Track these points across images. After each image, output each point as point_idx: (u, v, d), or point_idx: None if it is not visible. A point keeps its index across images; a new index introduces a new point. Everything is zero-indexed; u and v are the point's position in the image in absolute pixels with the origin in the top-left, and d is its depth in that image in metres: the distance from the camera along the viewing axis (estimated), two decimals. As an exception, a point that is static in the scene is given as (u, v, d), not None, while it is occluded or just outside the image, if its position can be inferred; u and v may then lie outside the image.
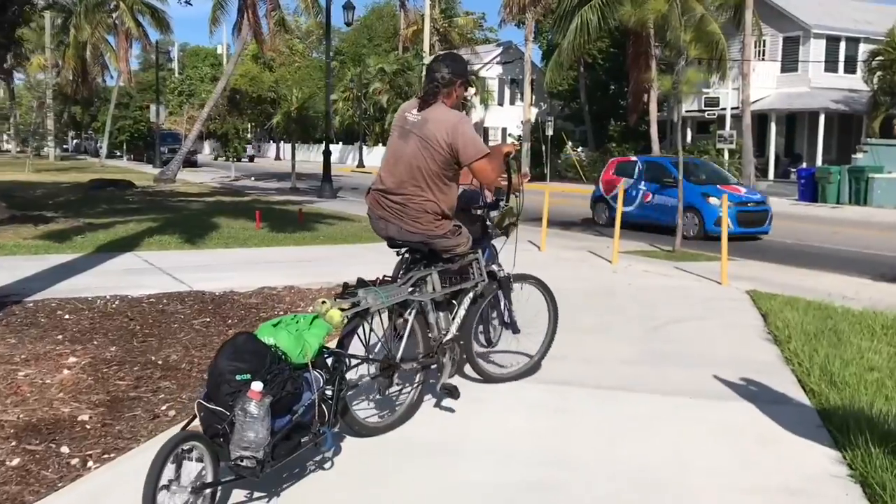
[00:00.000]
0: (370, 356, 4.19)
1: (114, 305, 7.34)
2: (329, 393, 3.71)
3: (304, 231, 13.41)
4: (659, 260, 11.59)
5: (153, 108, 38.86)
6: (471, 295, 4.71)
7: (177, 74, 63.40)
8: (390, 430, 4.28)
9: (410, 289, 4.34)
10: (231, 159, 31.11)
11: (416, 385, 4.48)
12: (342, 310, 3.86)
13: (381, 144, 53.93)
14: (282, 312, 7.34)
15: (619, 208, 11.67)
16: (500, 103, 53.13)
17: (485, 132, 52.35)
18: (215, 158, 44.87)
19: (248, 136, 30.22)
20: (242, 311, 7.35)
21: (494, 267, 5.01)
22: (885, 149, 26.02)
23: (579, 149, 40.72)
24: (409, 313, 4.34)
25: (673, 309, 7.76)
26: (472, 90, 48.93)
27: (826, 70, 33.26)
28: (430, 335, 4.48)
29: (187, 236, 12.20)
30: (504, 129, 39.45)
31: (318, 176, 32.00)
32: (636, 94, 32.19)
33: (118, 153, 54.50)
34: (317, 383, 3.60)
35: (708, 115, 31.84)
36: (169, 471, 3.07)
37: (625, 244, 13.50)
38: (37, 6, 13.88)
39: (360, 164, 49.01)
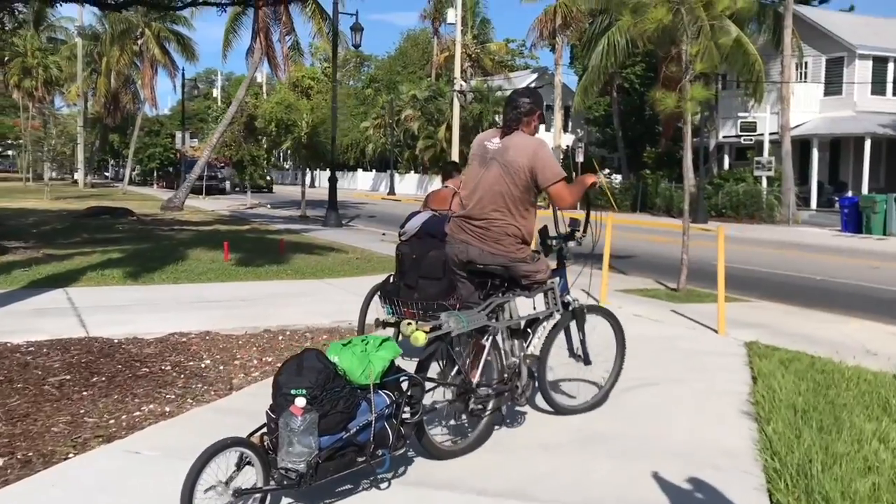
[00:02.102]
0: (447, 381, 4.24)
1: (-26, 356, 6.25)
2: (397, 416, 3.71)
3: (276, 264, 12.30)
4: (657, 300, 10.17)
5: (178, 135, 38.50)
6: (545, 324, 4.81)
7: (219, 103, 63.62)
8: (463, 454, 4.29)
9: (488, 315, 4.39)
10: (248, 187, 30.36)
11: (489, 411, 4.44)
12: (426, 332, 3.94)
13: (412, 172, 53.08)
14: (169, 367, 6.18)
15: (608, 239, 10.27)
16: (536, 130, 51.83)
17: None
18: (233, 188, 44.54)
19: (264, 162, 29.35)
20: (124, 364, 6.19)
21: (569, 297, 5.00)
22: (936, 176, 24.09)
23: (612, 175, 39.23)
24: (487, 339, 4.40)
25: (648, 367, 6.38)
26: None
27: (873, 93, 31.31)
28: (504, 362, 4.57)
29: (140, 270, 11.18)
30: (568, 147, 38.15)
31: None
32: (668, 119, 30.68)
33: (149, 180, 54.54)
34: (380, 405, 3.61)
35: (744, 140, 30.13)
36: (218, 473, 3.18)
37: (626, 280, 12.12)
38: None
39: (391, 192, 48.07)
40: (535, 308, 4.87)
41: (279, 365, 6.52)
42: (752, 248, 18.77)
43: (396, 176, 51.14)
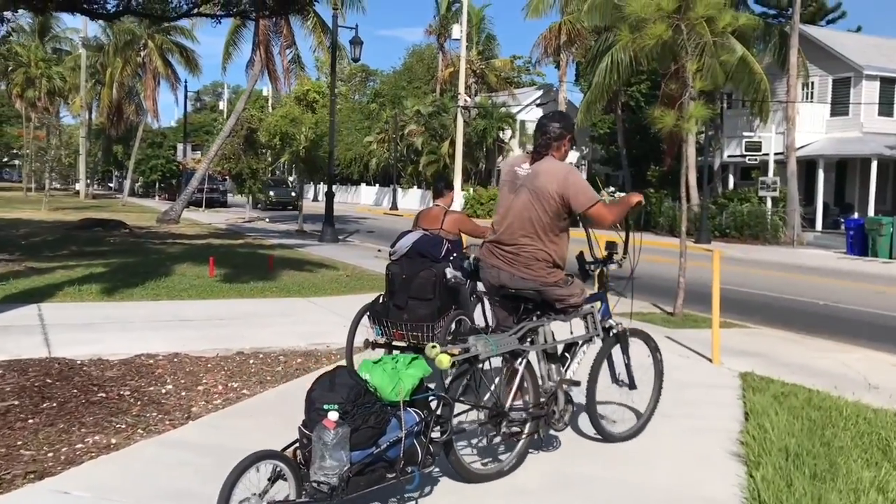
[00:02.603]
0: (479, 403, 4.24)
1: (-79, 378, 5.92)
2: (426, 433, 3.75)
3: (263, 281, 11.97)
4: (652, 325, 9.75)
5: (180, 147, 38.31)
6: (584, 349, 4.81)
7: (224, 116, 63.57)
8: (495, 478, 4.24)
9: (519, 339, 4.38)
10: (247, 200, 30.08)
11: (525, 435, 4.38)
12: (451, 355, 3.94)
13: (415, 187, 52.79)
14: (127, 393, 5.85)
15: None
16: (540, 147, 51.50)
17: (523, 176, 50.78)
18: (255, 204, 43.19)
19: (265, 176, 29.09)
20: (80, 388, 5.86)
21: (612, 321, 4.95)
22: (943, 199, 23.68)
23: (616, 194, 38.88)
24: (520, 363, 4.38)
25: (634, 399, 6.01)
26: (508, 132, 47.70)
27: (880, 114, 30.93)
28: (540, 387, 4.52)
29: (120, 285, 10.86)
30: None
31: (336, 218, 30.84)
32: (671, 137, 30.36)
33: (151, 192, 54.37)
34: (410, 422, 3.65)
35: (749, 160, 29.75)
36: (251, 485, 3.22)
37: (622, 303, 11.69)
38: None
39: (394, 206, 47.79)
40: (571, 332, 4.86)
41: (245, 392, 6.24)
42: (755, 269, 18.38)
43: (399, 191, 50.86)
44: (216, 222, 28.75)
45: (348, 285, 12.17)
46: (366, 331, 6.26)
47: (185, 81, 40.69)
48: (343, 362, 6.57)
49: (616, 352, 4.98)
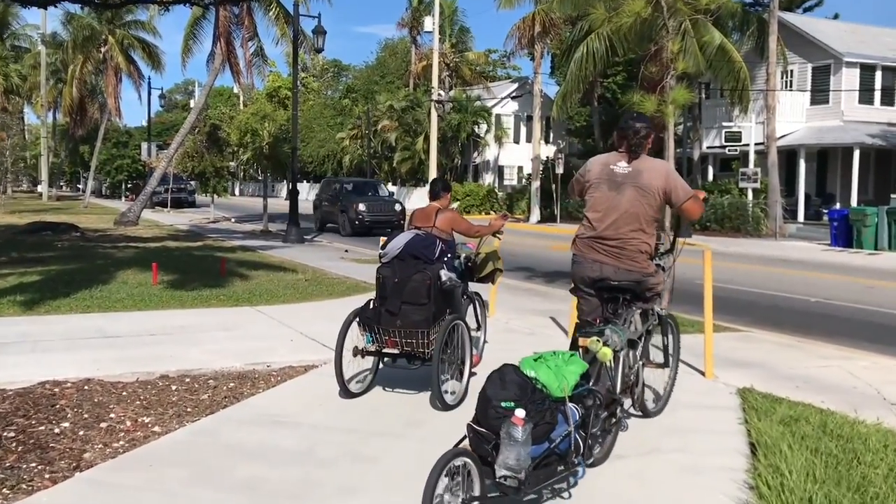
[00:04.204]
0: (616, 394, 4.46)
1: None
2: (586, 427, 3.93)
3: (211, 288, 10.96)
4: (636, 331, 8.87)
5: (144, 146, 37.03)
6: (645, 335, 5.10)
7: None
8: (600, 464, 4.31)
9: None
10: (210, 199, 28.98)
11: (617, 419, 4.48)
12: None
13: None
14: (12, 434, 4.86)
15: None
16: (517, 140, 50.61)
17: (500, 170, 49.92)
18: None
19: (227, 175, 28.03)
20: (-48, 431, 4.85)
21: (657, 307, 5.21)
22: (928, 187, 23.04)
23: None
24: (622, 351, 4.58)
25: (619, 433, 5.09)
26: (483, 126, 46.78)
27: (860, 102, 30.31)
28: (627, 372, 4.74)
29: (48, 296, 9.81)
30: (548, 158, 36.88)
31: (306, 217, 29.77)
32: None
33: (117, 193, 52.92)
34: (573, 416, 3.79)
35: (729, 150, 29.01)
36: (442, 483, 3.28)
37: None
38: None
39: (368, 204, 46.71)
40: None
41: (156, 429, 5.25)
42: (738, 264, 17.60)
43: (374, 188, 49.78)
44: (178, 223, 27.58)
45: (305, 291, 11.18)
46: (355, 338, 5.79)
47: (149, 78, 39.39)
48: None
49: (657, 333, 5.31)
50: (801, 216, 28.98)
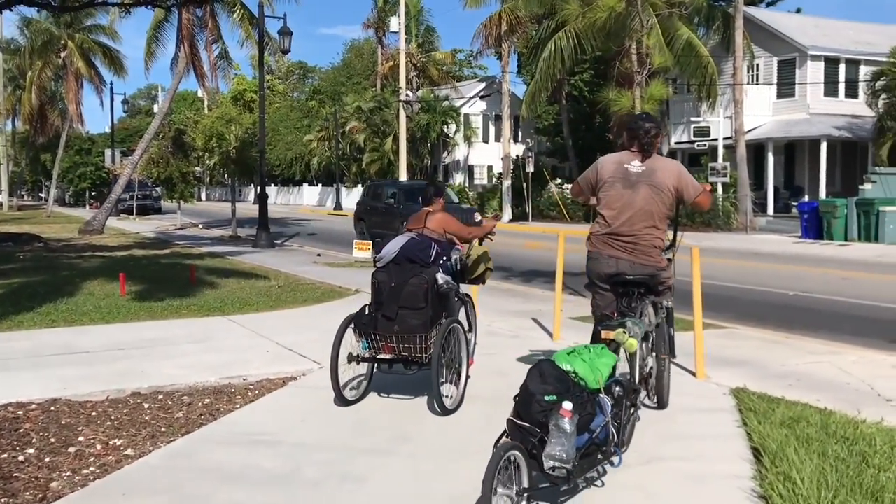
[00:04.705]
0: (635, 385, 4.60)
1: None
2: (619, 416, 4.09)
3: (181, 297, 10.61)
4: (620, 331, 8.71)
5: (108, 153, 36.29)
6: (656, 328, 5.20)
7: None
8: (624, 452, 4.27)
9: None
10: (177, 205, 28.45)
11: (637, 409, 4.48)
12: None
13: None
14: (-29, 463, 4.53)
15: (560, 261, 8.82)
16: (486, 140, 50.49)
17: (470, 170, 49.75)
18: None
19: (194, 180, 27.49)
20: None
21: (665, 301, 5.33)
22: (895, 178, 23.24)
23: (564, 186, 38.13)
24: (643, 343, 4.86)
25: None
26: (452, 126, 46.56)
27: (826, 94, 30.57)
28: (641, 364, 4.89)
29: (10, 311, 9.40)
30: (518, 157, 36.68)
31: (275, 221, 29.33)
32: (619, 126, 29.60)
33: (81, 201, 51.92)
34: (608, 407, 3.93)
35: (698, 146, 29.11)
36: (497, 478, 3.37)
37: (582, 304, 10.61)
38: None
39: (338, 206, 46.35)
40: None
41: (128, 452, 4.94)
42: (712, 259, 17.54)
43: (343, 190, 49.37)
44: (145, 230, 27.01)
45: (279, 298, 10.88)
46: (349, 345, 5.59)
47: (111, 83, 38.70)
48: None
49: (664, 325, 5.33)
50: (770, 209, 29.17)
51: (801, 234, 22.97)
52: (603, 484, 4.07)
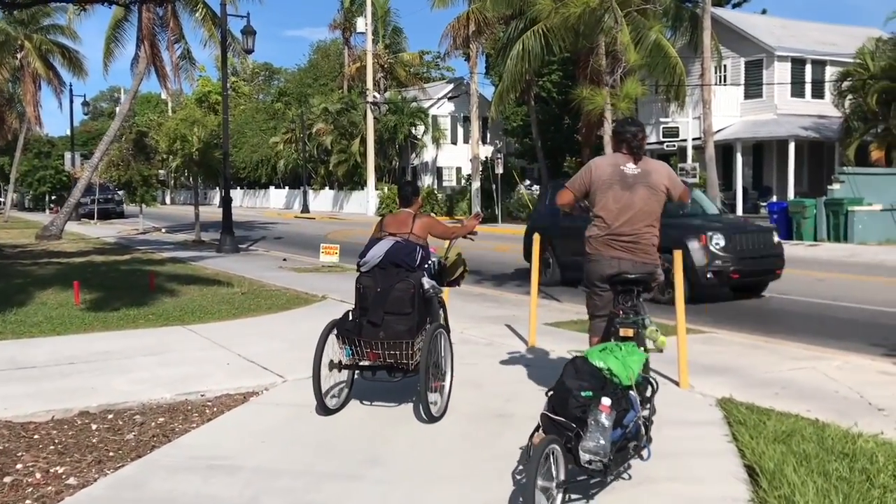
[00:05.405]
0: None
1: None
2: (645, 412, 4.22)
3: (139, 306, 10.14)
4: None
5: (67, 156, 35.38)
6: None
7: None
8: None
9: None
10: (140, 209, 27.75)
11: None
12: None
13: (327, 188, 50.75)
14: None
15: (535, 264, 8.51)
16: (454, 141, 50.21)
17: (438, 171, 49.42)
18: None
19: (156, 183, 26.82)
20: None
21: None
22: (863, 178, 23.31)
23: (533, 187, 37.92)
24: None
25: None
26: (420, 127, 46.21)
27: (793, 95, 30.69)
28: None
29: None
30: (487, 159, 36.36)
31: (241, 225, 28.76)
32: (588, 127, 29.48)
33: (41, 205, 50.71)
34: (637, 403, 4.04)
35: (667, 146, 29.04)
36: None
37: (558, 309, 10.40)
38: None
39: (305, 209, 45.75)
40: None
41: (71, 481, 4.50)
42: (686, 260, 17.39)
43: (310, 192, 48.81)
44: (106, 235, 26.26)
45: (242, 306, 10.45)
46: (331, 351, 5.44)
47: (70, 85, 37.62)
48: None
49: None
50: (739, 210, 29.18)
51: (771, 235, 22.93)
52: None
